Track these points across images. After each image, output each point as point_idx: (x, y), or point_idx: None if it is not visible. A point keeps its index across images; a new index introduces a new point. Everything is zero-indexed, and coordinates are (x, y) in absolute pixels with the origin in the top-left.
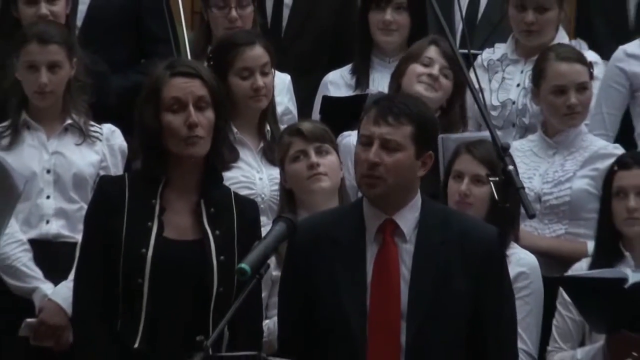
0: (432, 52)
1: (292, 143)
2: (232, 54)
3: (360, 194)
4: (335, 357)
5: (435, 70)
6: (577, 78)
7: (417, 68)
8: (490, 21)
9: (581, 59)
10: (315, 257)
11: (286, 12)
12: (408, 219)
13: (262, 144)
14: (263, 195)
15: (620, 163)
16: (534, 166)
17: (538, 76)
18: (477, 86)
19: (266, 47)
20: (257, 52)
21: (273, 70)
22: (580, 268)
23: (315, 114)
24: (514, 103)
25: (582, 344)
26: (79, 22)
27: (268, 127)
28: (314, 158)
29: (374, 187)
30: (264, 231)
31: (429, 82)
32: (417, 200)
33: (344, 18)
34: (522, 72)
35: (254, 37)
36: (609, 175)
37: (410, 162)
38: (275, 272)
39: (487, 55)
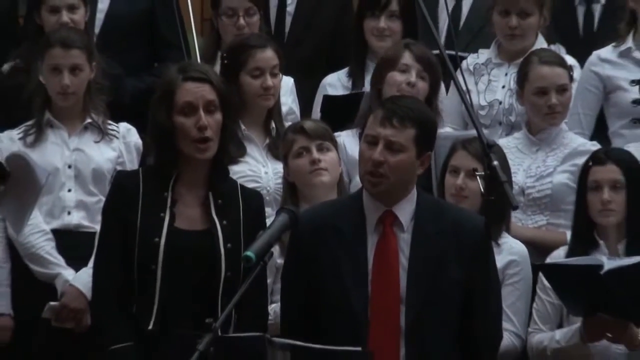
0: (407, 58)
1: (296, 140)
2: (246, 55)
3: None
4: (340, 339)
5: (412, 77)
6: (558, 80)
7: (396, 76)
8: (471, 29)
9: (562, 63)
10: (318, 245)
11: (288, 20)
12: (406, 210)
13: (267, 140)
14: (268, 188)
15: (595, 159)
16: (518, 162)
17: (522, 78)
18: (464, 88)
19: (276, 51)
20: (269, 55)
21: (280, 73)
22: (558, 256)
23: (316, 114)
24: (500, 103)
25: (560, 325)
26: (96, 29)
27: (273, 125)
28: (315, 154)
29: (378, 185)
30: (269, 221)
31: (408, 89)
32: (414, 192)
33: (342, 26)
34: (506, 74)
35: (266, 41)
36: (585, 170)
37: (411, 162)
38: (279, 260)
39: (472, 60)
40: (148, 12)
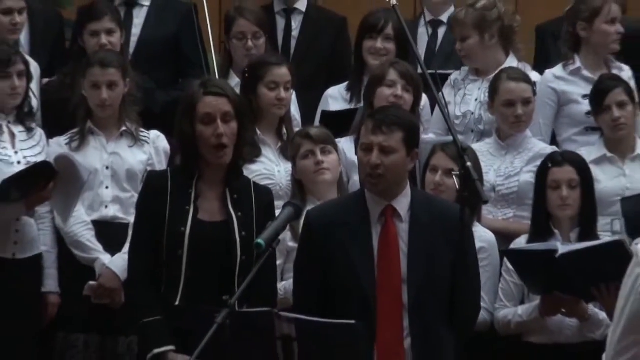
0: (393, 75)
1: (303, 144)
2: (264, 70)
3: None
4: (353, 314)
5: (398, 91)
6: (523, 94)
7: (384, 91)
8: (445, 53)
9: (527, 79)
10: (329, 237)
11: (293, 43)
12: (403, 203)
13: (280, 144)
14: (281, 184)
15: (554, 161)
16: (489, 163)
17: (493, 92)
18: (443, 101)
19: (290, 69)
20: (284, 71)
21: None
22: (520, 243)
23: (317, 122)
24: (472, 114)
25: (521, 302)
26: (131, 50)
27: (284, 130)
28: (319, 157)
29: (377, 184)
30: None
31: (395, 101)
32: (408, 188)
33: (338, 48)
34: (479, 89)
35: (282, 60)
36: (544, 170)
37: (403, 160)
38: (290, 243)
39: (454, 75)
40: (174, 36)
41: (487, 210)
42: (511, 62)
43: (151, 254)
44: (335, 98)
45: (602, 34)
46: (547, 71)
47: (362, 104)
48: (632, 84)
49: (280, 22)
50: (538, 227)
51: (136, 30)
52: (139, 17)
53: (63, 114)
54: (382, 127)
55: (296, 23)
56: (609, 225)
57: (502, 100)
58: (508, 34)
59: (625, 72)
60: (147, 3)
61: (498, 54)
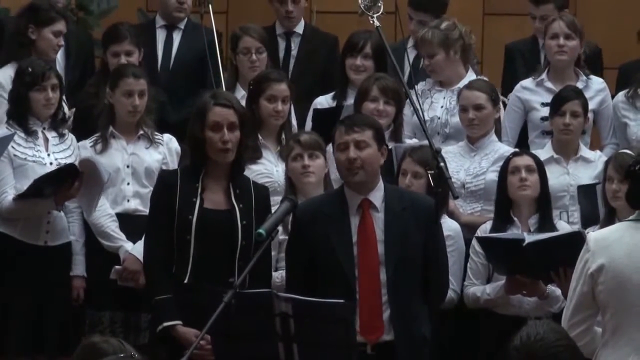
0: (375, 91)
1: (294, 148)
2: (266, 85)
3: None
4: (337, 293)
5: (380, 105)
6: (475, 100)
7: (368, 105)
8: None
9: (481, 88)
10: (314, 227)
11: (292, 61)
12: (377, 196)
13: (279, 147)
14: (278, 182)
15: (514, 153)
16: (460, 164)
17: (457, 100)
18: (419, 108)
19: (289, 85)
20: (282, 87)
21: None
22: (485, 229)
23: (309, 125)
24: (439, 118)
25: (488, 280)
26: (171, 64)
27: (283, 136)
28: (306, 161)
29: (355, 176)
30: (275, 207)
31: (378, 115)
32: (381, 183)
33: (330, 65)
34: (444, 97)
35: (283, 77)
36: (506, 161)
37: (375, 154)
38: (281, 237)
39: (420, 86)
40: (201, 55)
41: (458, 204)
42: (470, 75)
43: (164, 239)
44: (323, 105)
45: (547, 48)
46: (519, 82)
47: (345, 103)
48: (604, 94)
49: (281, 43)
50: (500, 214)
51: (174, 48)
52: (177, 39)
53: (88, 119)
54: (354, 127)
55: (295, 44)
56: (557, 217)
57: (460, 106)
58: (467, 51)
59: (595, 85)
60: (182, 26)
61: (459, 68)
